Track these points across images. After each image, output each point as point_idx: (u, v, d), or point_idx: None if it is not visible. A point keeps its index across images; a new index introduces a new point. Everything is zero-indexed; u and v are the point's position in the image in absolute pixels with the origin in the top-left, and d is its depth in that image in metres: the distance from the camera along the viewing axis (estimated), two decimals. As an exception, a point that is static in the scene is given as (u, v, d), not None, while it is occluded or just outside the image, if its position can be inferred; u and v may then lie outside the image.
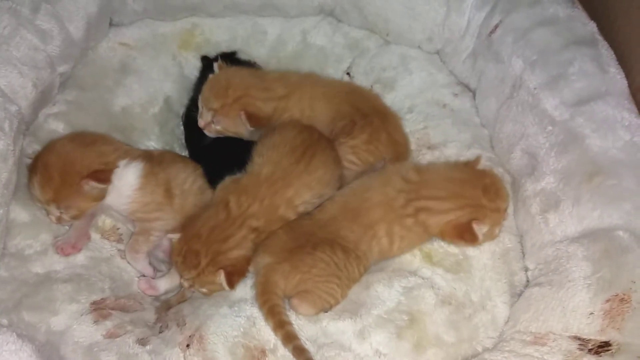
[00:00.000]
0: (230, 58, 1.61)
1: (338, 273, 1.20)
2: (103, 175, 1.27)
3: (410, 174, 1.27)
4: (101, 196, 1.29)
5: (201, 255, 1.21)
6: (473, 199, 1.21)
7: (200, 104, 1.45)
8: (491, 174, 1.28)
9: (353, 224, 1.24)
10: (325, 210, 1.29)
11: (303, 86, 1.49)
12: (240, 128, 1.43)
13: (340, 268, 1.20)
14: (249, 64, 1.62)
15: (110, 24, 1.69)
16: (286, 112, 1.45)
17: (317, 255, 1.20)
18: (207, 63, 1.63)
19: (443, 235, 1.24)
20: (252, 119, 1.40)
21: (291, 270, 1.20)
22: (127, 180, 1.32)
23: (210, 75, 1.48)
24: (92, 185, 1.25)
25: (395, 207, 1.24)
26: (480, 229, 1.19)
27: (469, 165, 1.28)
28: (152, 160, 1.38)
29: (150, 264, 1.36)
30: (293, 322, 1.17)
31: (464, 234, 1.20)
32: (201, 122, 1.44)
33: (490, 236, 1.24)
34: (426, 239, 1.28)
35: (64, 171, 1.25)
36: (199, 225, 1.25)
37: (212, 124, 1.43)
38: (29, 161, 1.31)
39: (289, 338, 1.14)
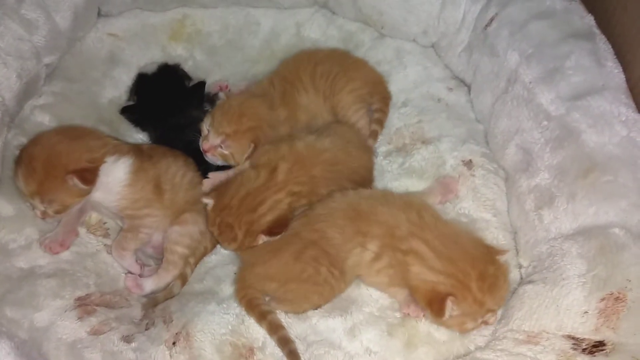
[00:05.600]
0: (172, 70, 1.59)
1: (318, 287, 1.19)
2: (89, 176, 1.25)
3: (427, 213, 1.20)
4: (86, 193, 1.27)
5: (235, 228, 1.21)
6: (464, 276, 1.10)
7: (205, 127, 1.42)
8: (501, 269, 1.14)
9: (348, 224, 1.20)
10: (331, 200, 1.26)
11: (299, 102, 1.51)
12: (242, 157, 1.40)
13: (321, 282, 1.18)
14: (189, 78, 1.60)
15: (99, 14, 1.67)
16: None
17: (298, 266, 1.19)
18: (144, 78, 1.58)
19: (415, 291, 1.13)
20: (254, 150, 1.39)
21: (266, 278, 1.20)
22: (116, 176, 1.30)
23: (220, 101, 1.50)
24: (76, 182, 1.23)
25: (396, 235, 1.17)
26: (451, 308, 1.08)
27: (490, 248, 1.17)
28: (142, 155, 1.36)
29: (137, 260, 1.34)
30: (282, 319, 1.17)
31: (433, 303, 1.10)
32: (206, 145, 1.40)
33: (459, 324, 1.12)
34: (398, 285, 1.18)
35: (49, 164, 1.23)
36: (231, 195, 1.23)
37: (218, 148, 1.40)
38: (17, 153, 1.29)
39: (274, 328, 1.14)
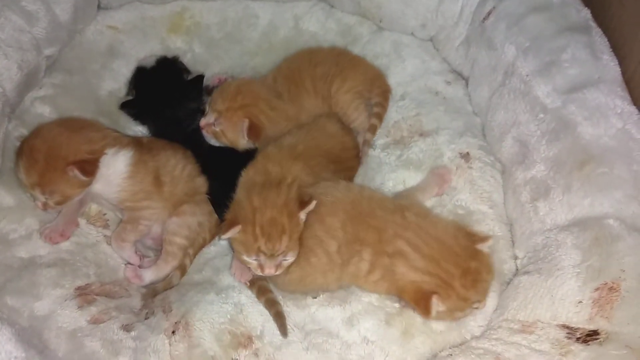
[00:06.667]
0: (170, 63, 1.59)
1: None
2: (89, 167, 1.25)
3: (410, 213, 1.19)
4: (86, 184, 1.27)
5: (278, 218, 1.16)
6: (447, 275, 1.11)
7: (207, 105, 1.46)
8: (483, 260, 1.13)
9: (348, 224, 1.19)
10: (334, 188, 1.26)
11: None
12: (237, 136, 1.42)
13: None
14: (187, 72, 1.61)
15: (99, 7, 1.67)
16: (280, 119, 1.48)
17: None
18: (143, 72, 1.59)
19: (402, 291, 1.14)
20: (252, 130, 1.40)
21: None
22: (116, 168, 1.31)
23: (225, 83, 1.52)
24: (76, 174, 1.23)
25: (383, 238, 1.17)
26: (436, 305, 1.09)
27: (472, 237, 1.15)
28: (142, 147, 1.37)
29: (137, 251, 1.35)
30: (283, 309, 1.19)
31: (420, 302, 1.10)
32: (202, 122, 1.44)
33: (449, 316, 1.14)
34: (392, 294, 1.19)
35: (50, 155, 1.24)
36: (249, 202, 1.18)
37: (212, 126, 1.43)
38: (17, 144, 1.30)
39: (262, 291, 1.20)
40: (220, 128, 1.42)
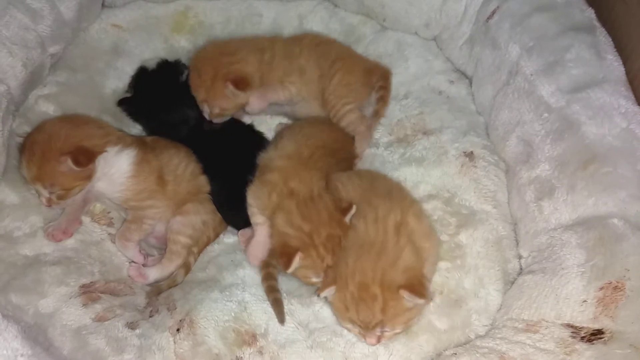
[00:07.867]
0: (170, 67, 1.58)
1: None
2: (82, 158, 1.24)
3: (392, 219, 1.18)
4: (86, 176, 1.27)
5: (333, 232, 1.19)
6: (348, 274, 1.11)
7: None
8: (391, 300, 1.08)
9: (357, 180, 1.28)
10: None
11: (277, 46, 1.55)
12: (235, 101, 1.45)
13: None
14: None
15: (103, 5, 1.67)
16: (271, 72, 1.50)
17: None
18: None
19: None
20: (239, 83, 1.43)
21: None
22: (119, 167, 1.31)
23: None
24: (69, 164, 1.22)
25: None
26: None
27: (408, 283, 1.08)
28: (145, 147, 1.37)
29: (141, 250, 1.36)
30: (286, 305, 1.19)
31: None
32: (207, 116, 1.49)
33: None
34: None
35: (47, 147, 1.23)
36: (296, 229, 1.19)
37: (211, 112, 1.46)
38: (20, 140, 1.31)
39: (267, 277, 1.22)
40: (219, 107, 1.46)
